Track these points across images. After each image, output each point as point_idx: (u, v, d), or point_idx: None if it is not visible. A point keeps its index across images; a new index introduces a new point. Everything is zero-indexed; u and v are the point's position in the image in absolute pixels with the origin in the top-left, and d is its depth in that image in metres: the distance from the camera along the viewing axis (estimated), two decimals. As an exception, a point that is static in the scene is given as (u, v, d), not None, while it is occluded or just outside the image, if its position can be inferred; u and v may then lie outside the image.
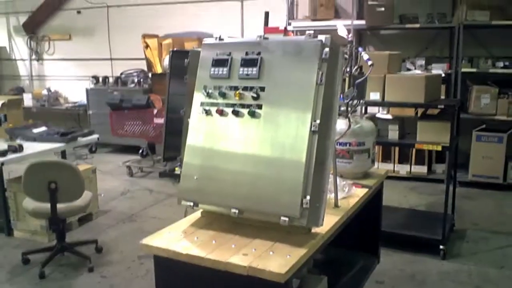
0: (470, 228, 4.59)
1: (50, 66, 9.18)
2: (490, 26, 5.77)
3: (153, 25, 7.67)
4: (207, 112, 2.12)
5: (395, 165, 6.22)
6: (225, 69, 2.11)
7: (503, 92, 5.81)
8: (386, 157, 6.25)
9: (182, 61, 2.90)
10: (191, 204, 2.10)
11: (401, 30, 6.51)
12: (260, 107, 2.02)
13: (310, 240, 1.98)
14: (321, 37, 1.99)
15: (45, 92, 8.41)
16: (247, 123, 2.03)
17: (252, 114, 2.02)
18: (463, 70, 5.85)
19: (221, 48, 2.16)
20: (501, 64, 5.81)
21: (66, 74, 8.95)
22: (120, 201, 5.42)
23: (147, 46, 7.18)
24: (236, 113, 2.05)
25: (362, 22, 6.22)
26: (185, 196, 2.12)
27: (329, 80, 2.01)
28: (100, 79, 7.77)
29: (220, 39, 2.19)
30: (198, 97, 2.17)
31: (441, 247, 3.89)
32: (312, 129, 1.92)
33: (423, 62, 6.02)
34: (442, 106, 3.85)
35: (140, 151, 7.17)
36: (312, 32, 1.99)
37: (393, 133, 4.13)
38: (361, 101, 2.75)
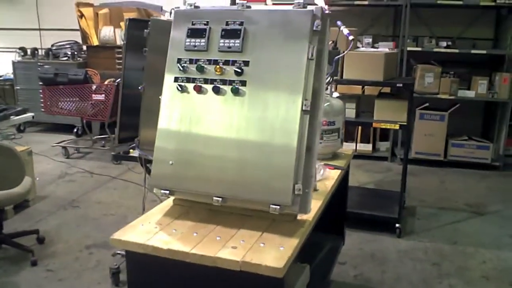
0: (419, 205, 4.69)
1: (-32, 35, 8.30)
2: (436, 5, 5.87)
3: (87, -7, 7.11)
4: (183, 89, 1.89)
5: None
6: (202, 40, 1.88)
7: (445, 71, 5.96)
8: (333, 135, 6.25)
9: (140, 32, 2.59)
10: (166, 192, 1.87)
11: (347, 7, 6.46)
12: (244, 83, 1.82)
13: (299, 228, 1.84)
14: (311, 7, 1.82)
15: (-37, 64, 7.60)
16: (229, 101, 1.83)
17: (236, 91, 1.81)
18: (409, 49, 5.92)
19: (196, 16, 1.92)
20: (444, 44, 5.95)
21: (-13, 45, 8.14)
22: (59, 185, 5.00)
23: (81, 16, 6.63)
24: (216, 90, 1.84)
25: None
26: (159, 183, 1.89)
27: (318, 55, 1.85)
28: (29, 51, 7.11)
29: (195, 6, 1.95)
30: (171, 71, 1.92)
31: (397, 225, 3.92)
32: (304, 108, 1.76)
33: (370, 40, 6.01)
34: (401, 85, 3.82)
35: (75, 130, 6.69)
36: (301, 0, 1.81)
37: (350, 112, 4.06)
38: (334, 78, 2.62)
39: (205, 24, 1.89)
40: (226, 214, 1.92)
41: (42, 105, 5.94)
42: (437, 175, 5.71)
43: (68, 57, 6.93)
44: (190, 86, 1.88)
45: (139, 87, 2.60)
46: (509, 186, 5.41)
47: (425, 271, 3.40)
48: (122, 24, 6.70)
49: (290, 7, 1.82)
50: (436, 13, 6.31)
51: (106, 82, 5.83)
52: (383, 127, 3.97)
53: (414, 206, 4.64)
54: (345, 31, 2.31)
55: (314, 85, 1.81)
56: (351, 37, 2.26)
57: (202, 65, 1.86)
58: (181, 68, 1.89)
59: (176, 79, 1.90)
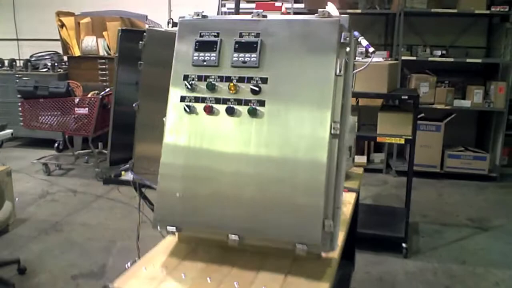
0: (421, 221, 4.51)
1: None
2: (429, 14, 5.75)
3: (67, 1, 6.80)
4: (191, 110, 1.64)
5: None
6: (213, 54, 1.64)
7: (439, 81, 5.84)
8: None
9: (133, 43, 2.35)
10: (173, 229, 1.62)
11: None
12: (262, 103, 1.59)
13: (326, 268, 1.60)
14: (337, 17, 1.60)
15: None
16: (246, 124, 1.59)
17: (253, 113, 1.58)
18: (403, 58, 5.78)
19: (204, 27, 1.68)
20: (438, 52, 5.82)
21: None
22: (40, 206, 4.67)
23: (62, 26, 6.32)
24: (230, 111, 1.60)
25: (301, 5, 5.97)
26: (165, 219, 1.63)
27: (344, 70, 1.62)
28: (6, 63, 6.75)
29: (203, 16, 1.71)
30: (177, 89, 1.68)
31: (403, 245, 3.72)
32: (332, 132, 1.53)
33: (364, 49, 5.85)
34: (406, 97, 3.64)
35: (56, 144, 6.35)
36: (326, 10, 1.59)
37: (352, 125, 3.86)
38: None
39: (215, 36, 1.65)
40: (239, 252, 1.67)
41: (21, 119, 5.60)
42: (435, 187, 5.55)
43: (48, 68, 6.60)
44: (200, 106, 1.63)
45: (134, 104, 2.35)
46: (508, 198, 5.29)
47: (438, 295, 3.20)
48: (105, 33, 6.42)
49: (311, 17, 1.60)
50: (428, 22, 6.20)
51: (89, 95, 5.52)
52: (388, 141, 3.78)
53: (417, 222, 4.46)
54: (364, 42, 2.10)
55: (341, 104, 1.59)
56: (371, 49, 2.05)
57: (213, 82, 1.62)
58: (189, 86, 1.64)
59: (182, 99, 1.66)
